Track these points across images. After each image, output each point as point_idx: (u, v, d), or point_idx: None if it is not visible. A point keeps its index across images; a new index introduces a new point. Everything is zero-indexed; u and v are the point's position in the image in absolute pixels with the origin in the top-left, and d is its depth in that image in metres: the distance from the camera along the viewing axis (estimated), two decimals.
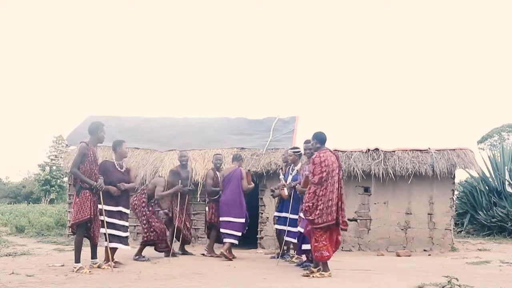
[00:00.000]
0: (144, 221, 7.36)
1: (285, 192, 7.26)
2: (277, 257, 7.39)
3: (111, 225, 6.30)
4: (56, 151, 29.97)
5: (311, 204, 5.75)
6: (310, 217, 5.76)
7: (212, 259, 7.61)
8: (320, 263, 5.86)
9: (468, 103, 46.52)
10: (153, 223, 7.34)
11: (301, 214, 6.34)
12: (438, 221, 9.37)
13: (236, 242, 7.86)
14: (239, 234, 7.84)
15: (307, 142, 6.87)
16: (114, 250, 6.44)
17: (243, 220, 7.88)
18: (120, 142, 6.59)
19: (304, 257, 7.00)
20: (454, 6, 46.13)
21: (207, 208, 8.31)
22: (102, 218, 6.16)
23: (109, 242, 6.24)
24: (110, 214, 6.30)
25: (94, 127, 6.12)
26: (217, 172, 8.27)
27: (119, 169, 6.47)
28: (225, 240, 7.79)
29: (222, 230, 7.86)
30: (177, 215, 7.94)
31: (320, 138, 6.05)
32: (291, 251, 7.95)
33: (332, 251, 5.84)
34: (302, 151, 7.38)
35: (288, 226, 7.28)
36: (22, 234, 11.04)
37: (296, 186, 6.80)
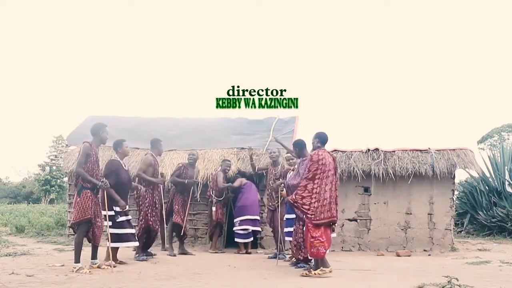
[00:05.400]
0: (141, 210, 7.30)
1: (285, 192, 7.25)
2: (277, 257, 7.39)
3: (115, 225, 6.33)
4: (56, 151, 29.99)
5: (300, 197, 5.86)
6: (303, 210, 5.82)
7: (212, 259, 7.62)
8: (319, 261, 5.87)
9: (468, 103, 46.56)
10: (145, 210, 7.27)
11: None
12: (438, 221, 9.37)
13: (252, 239, 8.94)
14: (259, 229, 8.97)
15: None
16: (116, 249, 6.45)
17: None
18: (120, 142, 6.63)
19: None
20: (454, 5, 46.16)
21: (214, 208, 8.77)
22: (105, 213, 6.16)
23: (111, 242, 6.26)
24: (114, 214, 6.34)
25: (96, 128, 6.14)
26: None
27: (125, 168, 6.55)
28: (245, 240, 8.76)
29: (246, 228, 8.69)
30: (179, 213, 8.00)
31: (321, 138, 6.15)
32: (290, 251, 7.96)
33: (327, 248, 5.89)
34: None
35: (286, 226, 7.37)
36: (22, 234, 11.04)
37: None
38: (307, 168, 5.93)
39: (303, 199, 5.86)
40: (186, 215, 8.21)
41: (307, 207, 5.83)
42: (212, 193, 8.84)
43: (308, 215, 5.83)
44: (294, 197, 5.95)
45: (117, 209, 6.37)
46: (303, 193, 5.88)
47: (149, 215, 7.25)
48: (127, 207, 6.59)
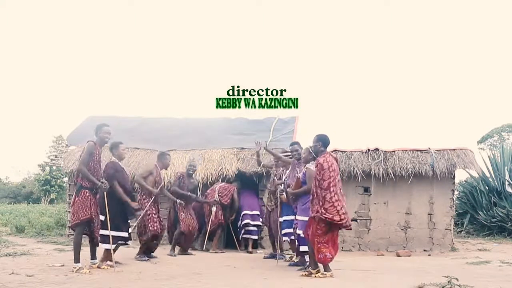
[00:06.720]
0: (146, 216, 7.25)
1: (284, 196, 7.22)
2: (277, 258, 7.40)
3: (113, 226, 6.29)
4: (56, 151, 29.98)
5: (324, 207, 5.69)
6: (328, 216, 5.68)
7: (212, 259, 7.62)
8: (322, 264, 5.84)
9: (468, 103, 46.51)
10: (151, 216, 7.23)
11: (298, 217, 6.31)
12: (438, 221, 9.37)
13: (255, 237, 9.16)
14: (259, 223, 9.05)
15: (293, 144, 7.30)
16: (114, 250, 6.43)
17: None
18: (117, 144, 6.56)
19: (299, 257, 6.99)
20: (454, 5, 46.18)
21: (214, 208, 8.79)
22: (102, 218, 6.13)
23: (111, 243, 6.23)
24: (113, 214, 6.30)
25: (96, 128, 6.16)
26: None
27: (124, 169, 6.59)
28: (247, 236, 9.03)
29: (247, 222, 8.95)
30: (185, 222, 7.99)
31: (324, 141, 6.00)
32: (290, 251, 7.97)
33: (334, 253, 5.80)
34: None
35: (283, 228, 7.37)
36: (22, 234, 11.03)
37: (287, 190, 6.78)
38: (321, 178, 5.73)
39: (329, 206, 5.70)
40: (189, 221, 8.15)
41: (332, 211, 5.72)
42: (218, 198, 8.89)
43: (329, 217, 5.70)
44: (322, 210, 5.67)
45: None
46: (324, 202, 5.72)
47: (151, 220, 7.20)
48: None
